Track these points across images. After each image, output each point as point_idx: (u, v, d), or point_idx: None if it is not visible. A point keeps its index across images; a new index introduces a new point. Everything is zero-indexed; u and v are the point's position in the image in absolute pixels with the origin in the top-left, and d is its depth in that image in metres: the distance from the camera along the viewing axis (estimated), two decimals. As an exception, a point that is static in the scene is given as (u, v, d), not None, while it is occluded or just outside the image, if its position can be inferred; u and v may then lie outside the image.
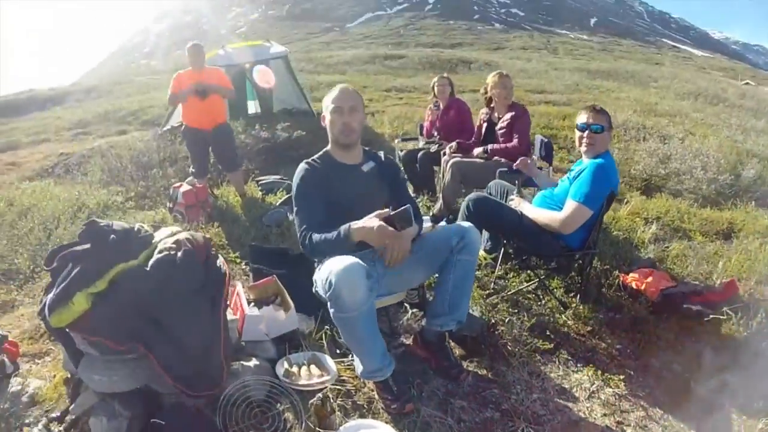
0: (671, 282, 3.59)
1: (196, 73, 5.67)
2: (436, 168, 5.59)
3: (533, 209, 3.26)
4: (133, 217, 5.33)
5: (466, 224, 2.56)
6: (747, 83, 34.54)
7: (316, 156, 2.71)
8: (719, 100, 19.25)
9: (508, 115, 4.71)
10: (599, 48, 69.48)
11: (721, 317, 3.22)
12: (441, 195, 4.79)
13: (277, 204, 5.40)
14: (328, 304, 2.22)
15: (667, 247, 4.58)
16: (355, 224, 2.31)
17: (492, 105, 4.93)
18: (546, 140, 4.94)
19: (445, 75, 6.02)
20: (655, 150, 7.62)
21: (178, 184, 5.38)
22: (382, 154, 2.85)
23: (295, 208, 2.60)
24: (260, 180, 6.36)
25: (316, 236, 2.42)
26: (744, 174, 7.21)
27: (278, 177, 6.46)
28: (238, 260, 4.17)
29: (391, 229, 2.25)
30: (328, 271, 2.21)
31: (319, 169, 2.62)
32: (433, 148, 5.54)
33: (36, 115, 17.76)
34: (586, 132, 3.14)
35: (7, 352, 2.66)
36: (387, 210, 2.33)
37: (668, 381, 2.80)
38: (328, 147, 2.73)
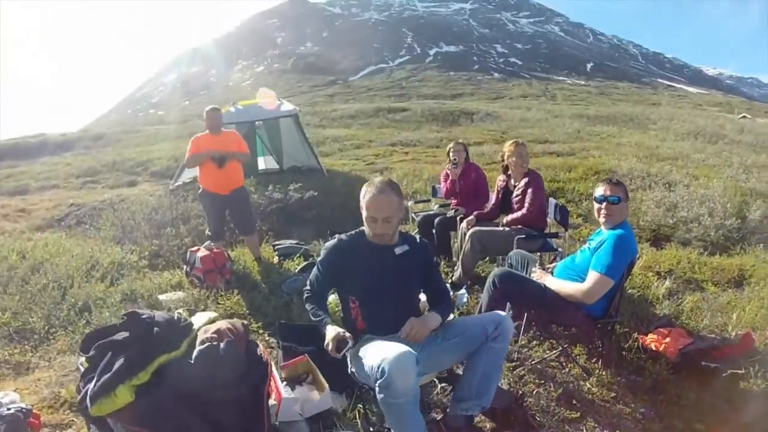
0: (688, 339, 3.64)
1: (214, 137, 5.71)
2: (452, 232, 5.69)
3: (556, 281, 3.35)
4: (150, 279, 5.30)
5: (502, 313, 2.68)
6: (744, 116, 34.93)
7: (352, 233, 2.80)
8: (718, 137, 19.40)
9: (523, 182, 4.88)
10: (597, 92, 70.78)
11: (739, 371, 3.29)
12: (460, 263, 4.86)
13: (296, 271, 5.38)
14: (377, 389, 2.28)
15: (682, 300, 4.65)
16: (327, 328, 2.54)
17: (509, 172, 5.10)
18: (561, 205, 5.12)
19: (460, 140, 6.11)
20: (661, 199, 7.75)
21: (195, 248, 5.34)
22: (417, 236, 2.93)
23: (315, 265, 2.83)
24: (277, 245, 6.34)
25: (309, 305, 2.74)
26: (750, 216, 7.31)
27: (295, 242, 6.44)
28: (261, 331, 4.15)
29: (335, 353, 2.42)
30: (379, 358, 2.29)
31: (349, 248, 2.74)
32: (450, 213, 5.65)
33: (46, 159, 17.79)
34: (604, 204, 3.27)
35: (31, 425, 2.65)
36: (348, 337, 2.47)
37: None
38: (364, 227, 2.78)
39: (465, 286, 4.68)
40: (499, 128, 21.40)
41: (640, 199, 8.24)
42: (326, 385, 2.82)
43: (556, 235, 4.98)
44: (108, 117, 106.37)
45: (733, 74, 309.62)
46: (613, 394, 3.17)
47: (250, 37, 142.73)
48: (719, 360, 3.43)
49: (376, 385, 2.27)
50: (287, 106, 11.49)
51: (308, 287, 2.81)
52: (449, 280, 4.86)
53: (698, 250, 6.21)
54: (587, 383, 3.26)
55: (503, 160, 5.09)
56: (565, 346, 3.55)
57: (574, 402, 3.07)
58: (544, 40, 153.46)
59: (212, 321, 2.55)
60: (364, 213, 2.64)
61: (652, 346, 3.57)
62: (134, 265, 5.83)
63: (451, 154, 5.84)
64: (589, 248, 3.31)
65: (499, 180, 5.26)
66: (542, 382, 3.24)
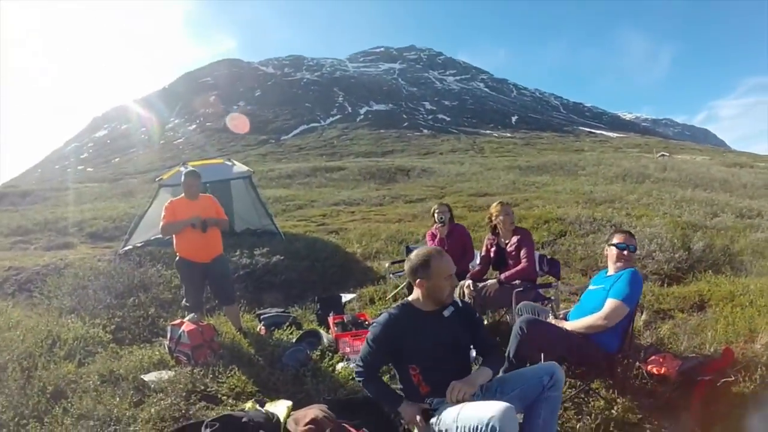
0: (678, 360, 3.99)
1: (192, 203, 5.55)
2: None
3: (573, 323, 3.66)
4: (125, 356, 4.93)
5: (554, 363, 2.85)
6: (662, 155, 37.61)
7: (399, 306, 2.95)
8: (644, 177, 20.72)
9: (515, 239, 5.22)
10: (522, 143, 73.73)
11: (730, 379, 3.70)
12: None
13: (294, 341, 5.18)
14: None
15: (659, 329, 5.01)
16: (404, 406, 2.77)
17: (497, 231, 5.41)
18: (550, 257, 5.56)
19: (444, 202, 6.29)
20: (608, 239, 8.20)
21: (177, 322, 4.98)
22: (458, 299, 3.07)
23: (365, 343, 2.91)
24: (261, 314, 6.16)
25: (374, 384, 2.88)
26: (694, 247, 7.93)
27: (280, 310, 6.33)
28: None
29: (425, 423, 2.65)
30: (485, 417, 2.36)
31: (401, 321, 2.86)
32: None
33: (-32, 215, 16.38)
34: (626, 251, 3.73)
35: None
36: (428, 407, 2.73)
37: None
38: (410, 299, 2.95)
39: None
40: (437, 184, 22.08)
41: (593, 242, 8.73)
42: None
43: (549, 285, 5.34)
44: (34, 172, 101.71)
45: (648, 117, 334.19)
46: (639, 416, 3.44)
47: (182, 94, 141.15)
48: (710, 373, 3.80)
49: None
50: (239, 168, 11.26)
51: (361, 366, 2.90)
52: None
53: (657, 283, 6.67)
54: (613, 411, 3.48)
55: (491, 221, 5.42)
56: (589, 383, 3.78)
57: (612, 428, 3.30)
58: (470, 96, 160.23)
59: (292, 410, 2.50)
60: (434, 279, 2.80)
61: (654, 371, 3.88)
62: (99, 340, 5.40)
63: (436, 214, 6.03)
64: (603, 288, 3.66)
65: (488, 239, 5.55)
66: (579, 417, 3.44)
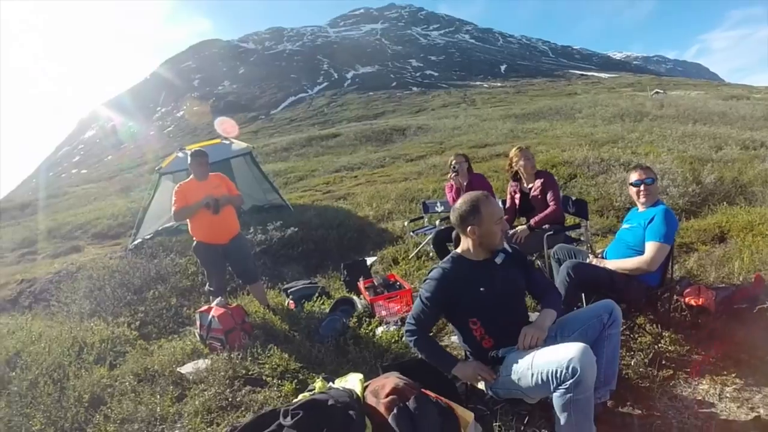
0: (712, 290, 4.03)
1: (202, 184, 5.36)
2: None
3: (615, 262, 3.67)
4: (156, 352, 4.80)
5: (609, 300, 2.80)
6: (656, 92, 37.34)
7: (450, 259, 2.87)
8: (642, 115, 20.59)
9: (538, 182, 5.14)
10: (514, 91, 72.93)
11: (764, 306, 3.75)
12: None
13: (327, 312, 5.10)
14: (564, 390, 2.29)
15: (686, 261, 5.05)
16: (459, 368, 2.72)
17: (519, 177, 5.35)
18: (576, 198, 5.49)
19: (461, 152, 6.09)
20: (624, 180, 8.20)
21: (205, 308, 4.85)
22: (506, 244, 2.95)
23: (416, 300, 2.85)
24: (289, 288, 6.06)
25: (426, 343, 2.80)
26: (705, 181, 7.96)
27: (306, 282, 6.24)
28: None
29: (493, 376, 2.65)
30: (564, 360, 2.29)
31: (454, 274, 2.78)
32: None
33: (-30, 235, 16.13)
34: (642, 186, 3.71)
35: None
36: (494, 353, 2.72)
37: (763, 364, 3.22)
38: (459, 251, 2.87)
39: None
40: (435, 139, 21.88)
41: (604, 182, 8.74)
42: (471, 414, 2.66)
43: (578, 227, 5.31)
44: (29, 183, 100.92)
45: (639, 55, 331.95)
46: (687, 348, 3.48)
47: (165, 82, 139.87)
48: (745, 301, 3.86)
49: (563, 386, 2.29)
50: (239, 145, 11.17)
51: (413, 325, 2.80)
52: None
53: (675, 218, 6.67)
54: (661, 345, 3.54)
55: (511, 167, 5.35)
56: (634, 319, 3.85)
57: (663, 362, 3.35)
58: (456, 49, 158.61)
59: (365, 382, 2.49)
60: (486, 224, 2.72)
61: (692, 302, 3.90)
62: (126, 338, 5.27)
63: (453, 164, 5.84)
64: (639, 225, 3.66)
65: (511, 186, 5.49)
66: (631, 354, 3.47)
